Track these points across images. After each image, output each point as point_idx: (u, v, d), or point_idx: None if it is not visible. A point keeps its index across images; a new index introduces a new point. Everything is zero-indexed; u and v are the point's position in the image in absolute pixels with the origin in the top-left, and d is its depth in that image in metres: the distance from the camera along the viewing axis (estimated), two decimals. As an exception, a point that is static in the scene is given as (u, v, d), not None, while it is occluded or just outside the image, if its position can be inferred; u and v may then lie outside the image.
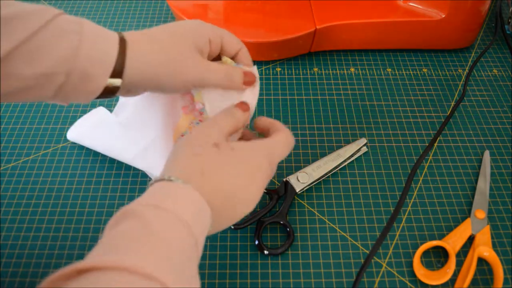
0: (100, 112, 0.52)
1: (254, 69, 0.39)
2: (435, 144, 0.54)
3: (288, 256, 0.45)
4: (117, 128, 0.47)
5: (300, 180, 0.48)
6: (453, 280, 0.43)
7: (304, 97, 0.59)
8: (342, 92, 0.59)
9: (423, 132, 0.55)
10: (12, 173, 0.50)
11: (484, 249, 0.44)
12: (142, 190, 0.31)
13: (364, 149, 0.53)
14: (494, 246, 0.45)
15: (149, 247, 0.26)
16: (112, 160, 0.51)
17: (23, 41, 0.29)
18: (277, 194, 0.47)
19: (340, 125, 0.55)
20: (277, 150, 0.36)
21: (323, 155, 0.52)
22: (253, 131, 0.41)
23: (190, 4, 0.63)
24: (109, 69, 0.32)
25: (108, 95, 0.34)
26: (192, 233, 0.28)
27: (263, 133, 0.39)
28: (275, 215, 0.46)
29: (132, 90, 0.35)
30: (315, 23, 0.59)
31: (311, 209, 0.48)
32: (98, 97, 0.33)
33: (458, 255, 0.44)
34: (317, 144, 0.53)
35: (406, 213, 0.48)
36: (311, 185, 0.49)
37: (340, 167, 0.51)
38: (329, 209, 0.48)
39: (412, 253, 0.45)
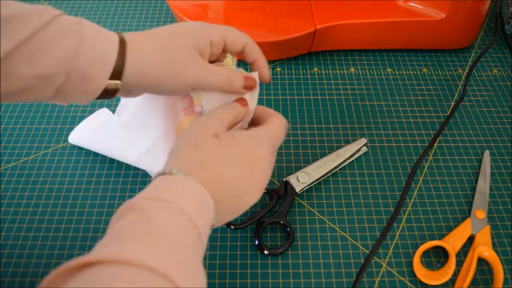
0: (102, 113, 0.52)
1: (255, 74, 0.39)
2: (435, 144, 0.54)
3: (288, 256, 0.45)
4: (118, 129, 0.47)
5: (300, 180, 0.48)
6: (453, 280, 0.43)
7: (304, 97, 0.59)
8: (342, 92, 0.59)
9: (423, 132, 0.55)
10: (12, 173, 0.50)
11: (484, 249, 0.44)
12: (142, 190, 0.31)
13: (364, 149, 0.53)
14: (494, 246, 0.45)
15: (151, 240, 0.26)
16: (112, 160, 0.51)
17: (23, 41, 0.29)
18: (277, 194, 0.47)
19: (340, 125, 0.55)
20: (276, 135, 0.37)
21: (323, 155, 0.52)
22: None
23: (190, 4, 0.63)
24: (109, 70, 0.32)
25: (108, 96, 0.34)
26: (195, 225, 0.28)
27: (256, 122, 0.39)
28: (275, 215, 0.46)
29: (132, 91, 0.35)
30: (315, 23, 0.59)
31: (311, 209, 0.48)
32: (98, 98, 0.33)
33: (458, 255, 0.44)
34: (317, 144, 0.53)
35: (406, 213, 0.48)
36: (311, 185, 0.49)
37: (340, 167, 0.51)
38: (329, 209, 0.48)
39: (412, 253, 0.45)
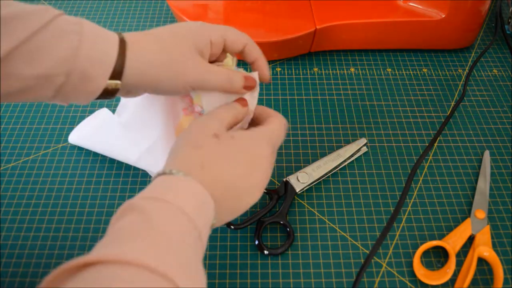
0: (102, 113, 0.52)
1: (255, 74, 0.39)
2: (435, 144, 0.54)
3: (288, 256, 0.45)
4: (118, 129, 0.47)
5: (300, 180, 0.48)
6: (453, 280, 0.43)
7: (304, 97, 0.59)
8: (342, 92, 0.59)
9: (423, 132, 0.55)
10: (12, 173, 0.50)
11: (484, 249, 0.44)
12: (142, 190, 0.31)
13: (364, 149, 0.53)
14: (494, 246, 0.45)
15: (151, 240, 0.26)
16: (112, 160, 0.51)
17: (23, 41, 0.29)
18: (277, 194, 0.47)
19: (340, 125, 0.55)
20: (276, 135, 0.37)
21: (323, 155, 0.52)
22: None
23: (190, 4, 0.63)
24: (109, 70, 0.32)
25: (108, 96, 0.34)
26: (195, 225, 0.28)
27: (256, 122, 0.39)
28: (275, 215, 0.46)
29: (132, 91, 0.35)
30: (315, 23, 0.59)
31: (311, 209, 0.48)
32: (98, 98, 0.33)
33: (458, 255, 0.44)
34: (317, 144, 0.53)
35: (406, 213, 0.48)
36: (311, 185, 0.49)
37: (340, 167, 0.51)
38: (329, 209, 0.48)
39: (412, 253, 0.45)
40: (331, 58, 0.64)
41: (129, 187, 0.49)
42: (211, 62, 0.39)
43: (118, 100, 0.50)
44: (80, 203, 0.48)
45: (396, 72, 0.62)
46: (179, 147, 0.34)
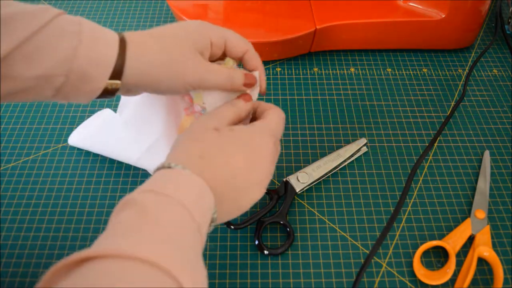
0: (102, 114, 0.52)
1: (256, 74, 0.39)
2: (435, 144, 0.54)
3: (288, 256, 0.45)
4: (119, 129, 0.47)
5: (300, 180, 0.48)
6: (453, 280, 0.43)
7: (304, 97, 0.59)
8: (342, 92, 0.59)
9: (423, 132, 0.55)
10: (12, 173, 0.50)
11: (484, 249, 0.44)
12: (141, 184, 0.31)
13: (364, 149, 0.53)
14: (494, 246, 0.45)
15: (147, 234, 0.26)
16: (112, 161, 0.51)
17: (23, 41, 0.29)
18: (277, 194, 0.47)
19: (340, 125, 0.55)
20: (276, 128, 0.36)
21: (323, 155, 0.52)
22: None
23: (190, 4, 0.63)
24: (109, 70, 0.32)
25: (108, 95, 0.34)
26: (193, 217, 0.28)
27: (254, 117, 0.39)
28: (275, 215, 0.46)
29: (132, 90, 0.35)
30: (315, 23, 0.59)
31: (311, 209, 0.48)
32: (98, 97, 0.33)
33: (458, 255, 0.44)
34: (317, 144, 0.53)
35: (406, 213, 0.48)
36: (311, 185, 0.49)
37: (340, 167, 0.51)
38: (329, 209, 0.48)
39: (412, 253, 0.45)
40: (331, 58, 0.64)
41: (129, 187, 0.49)
42: (212, 61, 0.39)
43: (118, 100, 0.50)
44: (80, 203, 0.48)
45: (396, 72, 0.62)
46: (179, 142, 0.34)
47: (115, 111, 0.50)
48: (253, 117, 0.40)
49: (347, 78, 0.61)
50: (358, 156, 0.52)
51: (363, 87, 0.60)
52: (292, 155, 0.52)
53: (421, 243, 0.45)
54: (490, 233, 0.46)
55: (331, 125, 0.55)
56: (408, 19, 0.60)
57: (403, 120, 0.56)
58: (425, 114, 0.57)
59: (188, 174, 0.30)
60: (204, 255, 0.44)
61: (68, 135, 0.53)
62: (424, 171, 0.51)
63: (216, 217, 0.32)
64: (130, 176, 0.50)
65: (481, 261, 0.44)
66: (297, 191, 0.48)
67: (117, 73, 0.32)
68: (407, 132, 0.55)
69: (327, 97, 0.59)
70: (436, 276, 0.43)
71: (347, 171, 0.51)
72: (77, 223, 0.46)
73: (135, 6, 0.71)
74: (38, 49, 0.29)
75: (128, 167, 0.51)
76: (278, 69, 0.62)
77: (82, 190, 0.49)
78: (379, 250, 0.45)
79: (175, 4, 0.63)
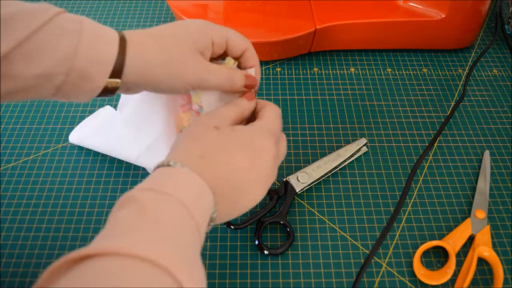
0: (103, 112, 0.52)
1: (252, 71, 0.39)
2: (435, 144, 0.54)
3: (288, 256, 0.45)
4: (120, 127, 0.47)
5: (300, 180, 0.48)
6: (453, 280, 0.43)
7: (304, 97, 0.59)
8: (342, 92, 0.59)
9: (423, 132, 0.55)
10: (12, 173, 0.50)
11: (484, 249, 0.44)
12: (141, 182, 0.31)
13: (364, 149, 0.53)
14: (494, 246, 0.45)
15: (146, 231, 0.26)
16: (112, 160, 0.51)
17: (23, 40, 0.29)
18: (277, 194, 0.47)
19: (340, 125, 0.55)
20: (273, 127, 0.36)
21: (323, 155, 0.52)
22: None
23: (190, 4, 0.63)
24: (109, 69, 0.32)
25: (108, 93, 0.34)
26: (193, 216, 0.28)
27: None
28: (275, 215, 0.46)
29: (132, 88, 0.35)
30: (315, 23, 0.59)
31: (311, 209, 0.48)
32: (98, 96, 0.33)
33: (458, 255, 0.44)
34: (317, 144, 0.53)
35: (406, 213, 0.48)
36: (311, 185, 0.49)
37: (340, 167, 0.51)
38: (329, 209, 0.48)
39: (412, 253, 0.45)
40: (331, 58, 0.64)
41: (129, 187, 0.49)
42: (213, 59, 0.39)
43: (118, 100, 0.50)
44: (80, 203, 0.48)
45: (396, 72, 0.62)
46: (179, 141, 0.34)
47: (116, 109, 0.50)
48: (251, 115, 0.40)
49: (347, 78, 0.61)
50: (358, 156, 0.52)
51: (363, 87, 0.60)
52: (292, 155, 0.52)
53: (421, 243, 0.45)
54: (490, 233, 0.46)
55: (331, 125, 0.55)
56: (408, 19, 0.60)
57: (403, 120, 0.56)
58: (425, 114, 0.57)
59: (187, 173, 0.30)
60: (204, 255, 0.44)
61: (68, 135, 0.53)
62: (424, 171, 0.51)
63: (215, 217, 0.32)
64: (130, 176, 0.50)
65: (481, 261, 0.44)
66: (297, 191, 0.48)
67: (117, 72, 0.32)
68: (407, 132, 0.55)
69: (327, 97, 0.59)
70: (436, 276, 0.43)
71: (347, 171, 0.51)
72: (77, 223, 0.46)
73: (135, 6, 0.71)
74: (38, 47, 0.29)
75: (128, 166, 0.51)
76: (278, 69, 0.62)
77: (82, 190, 0.49)
78: (379, 250, 0.45)
79: (175, 4, 0.63)
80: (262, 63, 0.63)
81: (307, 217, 0.47)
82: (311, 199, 0.49)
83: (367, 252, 0.45)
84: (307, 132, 0.55)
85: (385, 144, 0.54)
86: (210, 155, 0.32)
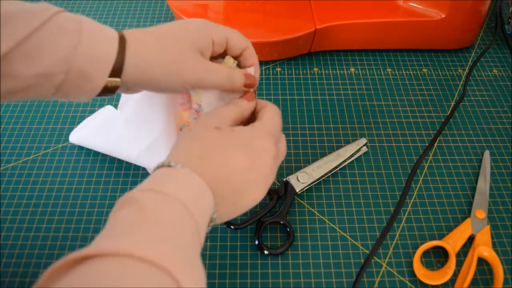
0: (104, 112, 0.52)
1: (251, 70, 0.39)
2: (435, 144, 0.54)
3: (288, 256, 0.45)
4: (120, 126, 0.47)
5: (300, 180, 0.48)
6: (453, 280, 0.43)
7: (304, 97, 0.59)
8: (342, 92, 0.59)
9: (423, 132, 0.55)
10: (12, 173, 0.50)
11: (484, 249, 0.44)
12: (141, 182, 0.31)
13: (364, 149, 0.53)
14: (494, 246, 0.45)
15: (145, 232, 0.26)
16: (112, 160, 0.51)
17: (23, 39, 0.29)
18: (277, 194, 0.47)
19: (340, 125, 0.55)
20: (273, 127, 0.36)
21: (323, 155, 0.52)
22: None
23: (190, 4, 0.63)
24: (108, 68, 0.32)
25: (108, 93, 0.34)
26: (193, 216, 0.28)
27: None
28: (275, 215, 0.46)
29: (132, 88, 0.35)
30: (315, 23, 0.59)
31: (311, 209, 0.48)
32: (98, 95, 0.33)
33: (458, 255, 0.44)
34: (317, 144, 0.53)
35: (406, 213, 0.48)
36: (311, 185, 0.49)
37: (340, 167, 0.51)
38: (329, 209, 0.48)
39: (412, 253, 0.45)
40: (331, 58, 0.64)
41: (129, 187, 0.49)
42: (212, 58, 0.39)
43: (118, 100, 0.50)
44: (80, 203, 0.48)
45: (396, 72, 0.62)
46: (179, 141, 0.34)
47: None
48: (251, 115, 0.40)
49: (347, 78, 0.61)
50: (358, 156, 0.52)
51: (363, 87, 0.60)
52: (292, 155, 0.52)
53: (421, 243, 0.45)
54: (490, 233, 0.46)
55: (331, 125, 0.55)
56: (408, 19, 0.60)
57: (403, 120, 0.56)
58: (425, 114, 0.57)
59: (187, 173, 0.30)
60: (204, 255, 0.44)
61: (68, 135, 0.53)
62: (424, 171, 0.51)
63: (215, 217, 0.32)
64: (130, 176, 0.50)
65: (481, 261, 0.44)
66: (297, 191, 0.48)
67: (116, 71, 0.32)
68: (407, 132, 0.55)
69: (327, 97, 0.59)
70: (436, 276, 0.43)
71: (347, 171, 0.51)
72: (77, 223, 0.46)
73: (135, 6, 0.71)
74: (38, 47, 0.29)
75: (128, 166, 0.51)
76: (278, 69, 0.62)
77: (82, 190, 0.49)
78: (379, 250, 0.45)
79: (175, 4, 0.63)
80: (262, 63, 0.63)
81: (307, 217, 0.47)
82: (311, 199, 0.49)
83: (367, 252, 0.45)
84: (307, 132, 0.55)
85: (385, 144, 0.54)
86: (210, 155, 0.32)
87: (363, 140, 0.52)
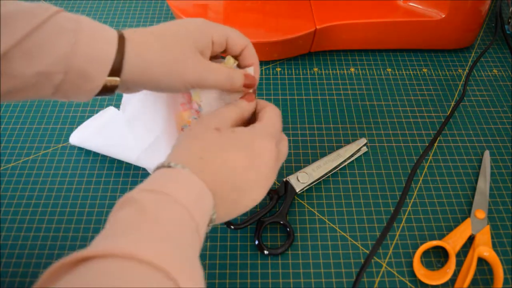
0: (106, 113, 0.52)
1: (251, 70, 0.39)
2: (435, 144, 0.54)
3: (288, 256, 0.45)
4: (121, 126, 0.47)
5: (300, 180, 0.48)
6: (453, 280, 0.43)
7: (304, 97, 0.59)
8: (342, 92, 0.59)
9: (423, 132, 0.55)
10: (12, 173, 0.50)
11: (484, 249, 0.44)
12: (141, 182, 0.31)
13: (364, 149, 0.53)
14: (494, 246, 0.45)
15: (145, 232, 0.26)
16: (112, 160, 0.51)
17: (22, 38, 0.29)
18: (277, 194, 0.47)
19: (340, 125, 0.55)
20: (273, 128, 0.36)
21: (323, 155, 0.52)
22: None
23: (190, 4, 0.63)
24: (107, 68, 0.32)
25: (108, 92, 0.34)
26: (192, 217, 0.28)
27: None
28: (275, 215, 0.46)
29: (132, 87, 0.35)
30: (315, 23, 0.59)
31: (311, 209, 0.48)
32: (97, 95, 0.33)
33: (458, 255, 0.44)
34: (317, 144, 0.53)
35: (406, 213, 0.48)
36: (311, 185, 0.49)
37: (340, 167, 0.51)
38: (329, 209, 0.48)
39: (412, 253, 0.45)
40: (331, 58, 0.64)
41: (129, 187, 0.49)
42: (212, 57, 0.39)
43: (119, 100, 0.50)
44: (80, 203, 0.48)
45: (396, 72, 0.62)
46: (179, 142, 0.34)
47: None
48: (251, 116, 0.40)
49: (347, 78, 0.61)
50: (358, 156, 0.52)
51: (363, 87, 0.60)
52: (292, 155, 0.52)
53: (421, 243, 0.45)
54: (490, 233, 0.46)
55: (331, 125, 0.55)
56: (408, 19, 0.60)
57: (403, 120, 0.56)
58: (425, 114, 0.57)
59: (188, 174, 0.30)
60: (204, 255, 0.44)
61: (68, 135, 0.53)
62: (424, 171, 0.51)
63: (215, 218, 0.32)
64: (130, 176, 0.50)
65: (481, 261, 0.44)
66: (297, 191, 0.48)
67: (116, 70, 0.32)
68: (407, 132, 0.55)
69: (327, 97, 0.59)
70: (436, 276, 0.43)
71: (347, 171, 0.51)
72: (77, 223, 0.46)
73: (135, 6, 0.71)
74: (37, 46, 0.29)
75: (128, 166, 0.51)
76: (278, 69, 0.62)
77: (82, 190, 0.49)
78: (379, 250, 0.45)
79: (175, 4, 0.63)
80: (262, 63, 0.63)
81: (307, 217, 0.47)
82: (311, 199, 0.49)
83: (367, 252, 0.45)
84: (307, 132, 0.55)
85: (385, 144, 0.54)
86: (210, 156, 0.32)
87: (363, 140, 0.52)
